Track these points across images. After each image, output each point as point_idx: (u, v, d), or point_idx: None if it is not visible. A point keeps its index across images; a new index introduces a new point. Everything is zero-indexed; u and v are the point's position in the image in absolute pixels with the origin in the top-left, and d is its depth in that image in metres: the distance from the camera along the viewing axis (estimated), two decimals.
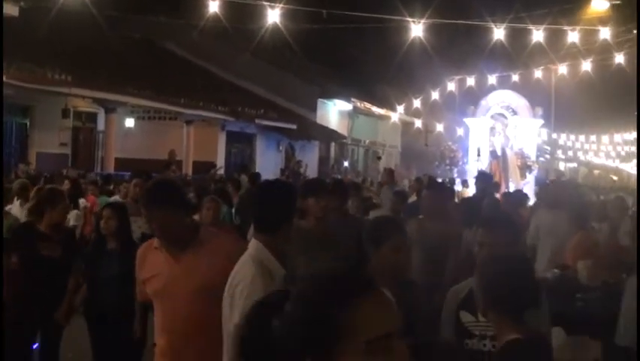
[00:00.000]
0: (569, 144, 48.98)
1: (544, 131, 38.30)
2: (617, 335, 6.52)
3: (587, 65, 23.86)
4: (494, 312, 3.73)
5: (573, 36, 19.81)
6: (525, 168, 21.58)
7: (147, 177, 10.73)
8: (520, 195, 12.96)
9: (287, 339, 1.80)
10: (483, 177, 12.52)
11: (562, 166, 52.05)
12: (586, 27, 21.09)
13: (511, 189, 19.55)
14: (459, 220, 8.57)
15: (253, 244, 4.31)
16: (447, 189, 9.71)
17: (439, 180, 18.22)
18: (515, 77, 26.44)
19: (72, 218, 10.76)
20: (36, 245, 6.65)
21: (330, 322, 1.79)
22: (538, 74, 26.49)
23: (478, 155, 22.57)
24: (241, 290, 4.03)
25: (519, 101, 22.51)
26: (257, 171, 23.59)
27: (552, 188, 10.64)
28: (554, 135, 43.88)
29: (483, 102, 23.05)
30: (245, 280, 4.07)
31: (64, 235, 6.98)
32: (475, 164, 22.30)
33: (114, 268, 6.46)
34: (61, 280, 6.75)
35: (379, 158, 38.14)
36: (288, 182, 8.41)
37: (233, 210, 11.98)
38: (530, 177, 21.96)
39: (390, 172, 16.73)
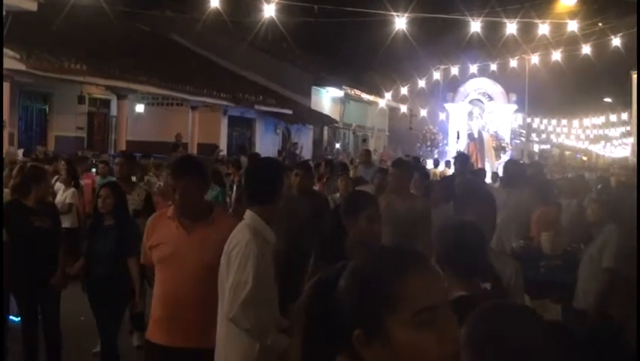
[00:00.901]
0: (542, 127, 48.99)
1: (520, 116, 38.32)
2: (575, 299, 6.64)
3: (557, 55, 23.86)
4: (447, 272, 3.76)
5: (544, 28, 19.86)
6: (500, 149, 21.64)
7: (130, 155, 10.27)
8: (482, 174, 13.00)
9: (341, 312, 1.77)
10: (461, 158, 12.41)
11: (536, 148, 52.04)
12: (556, 20, 21.14)
13: (487, 168, 19.64)
14: (434, 197, 8.68)
15: (248, 214, 4.41)
16: (412, 166, 9.58)
17: (421, 159, 18.34)
18: (494, 67, 26.37)
19: (68, 196, 10.62)
20: (28, 218, 6.59)
21: (380, 293, 1.72)
22: (514, 63, 26.47)
23: (458, 137, 22.60)
24: (236, 253, 4.17)
25: (494, 88, 22.56)
26: (256, 151, 23.67)
27: (508, 168, 10.60)
28: (529, 120, 43.93)
29: (461, 89, 23.10)
30: (240, 244, 4.20)
31: (49, 208, 6.97)
32: (454, 145, 22.35)
33: (111, 244, 6.42)
34: (54, 249, 6.71)
35: (365, 140, 38.21)
36: (278, 161, 8.47)
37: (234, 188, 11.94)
38: (505, 158, 21.98)
39: (367, 153, 16.70)
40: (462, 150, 21.34)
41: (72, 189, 10.78)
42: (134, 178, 9.91)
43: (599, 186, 11.84)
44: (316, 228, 7.10)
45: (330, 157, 25.48)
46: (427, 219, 7.21)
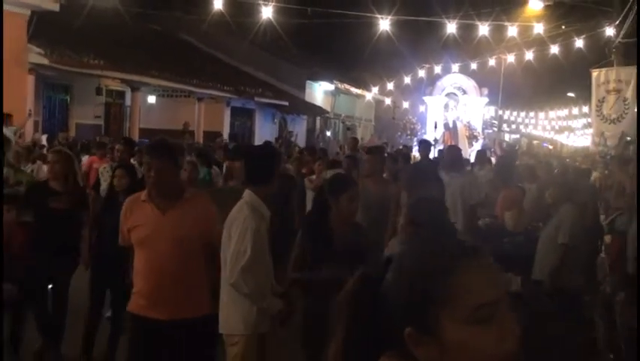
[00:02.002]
0: (513, 118, 49.00)
1: (492, 108, 38.34)
2: (533, 271, 6.77)
3: (526, 55, 23.88)
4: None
5: (513, 30, 19.90)
6: (472, 138, 21.69)
7: (130, 141, 10.13)
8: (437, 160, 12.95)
9: (389, 309, 1.52)
10: (424, 144, 12.46)
11: (507, 137, 52.05)
12: (524, 23, 21.16)
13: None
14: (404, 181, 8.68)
15: (247, 193, 4.53)
16: (384, 153, 9.54)
17: (401, 147, 18.35)
18: (469, 65, 26.39)
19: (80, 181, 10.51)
20: (46, 200, 6.39)
21: (432, 289, 1.46)
22: (487, 61, 26.50)
23: (435, 127, 22.65)
24: (236, 226, 4.31)
25: (468, 83, 22.59)
26: (255, 139, 23.70)
27: (446, 154, 10.52)
28: (500, 112, 43.95)
29: (439, 83, 23.12)
30: (239, 218, 4.34)
31: (75, 190, 6.60)
32: (432, 134, 22.40)
33: None
34: (67, 228, 6.42)
35: (349, 129, 38.24)
36: (274, 148, 8.46)
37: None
38: (477, 145, 22.07)
39: (354, 141, 16.71)
40: (438, 138, 21.45)
41: None
42: (133, 161, 9.78)
43: (556, 171, 11.92)
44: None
45: (321, 144, 25.53)
46: (398, 202, 7.09)
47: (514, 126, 51.47)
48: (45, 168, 9.91)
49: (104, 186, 7.24)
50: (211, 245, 4.53)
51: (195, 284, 4.44)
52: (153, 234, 4.39)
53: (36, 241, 6.38)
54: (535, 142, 59.35)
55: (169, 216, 4.41)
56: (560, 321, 6.24)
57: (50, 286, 6.51)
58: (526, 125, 52.13)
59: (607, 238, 9.04)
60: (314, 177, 9.71)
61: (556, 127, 50.81)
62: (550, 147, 55.53)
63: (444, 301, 1.44)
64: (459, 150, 9.92)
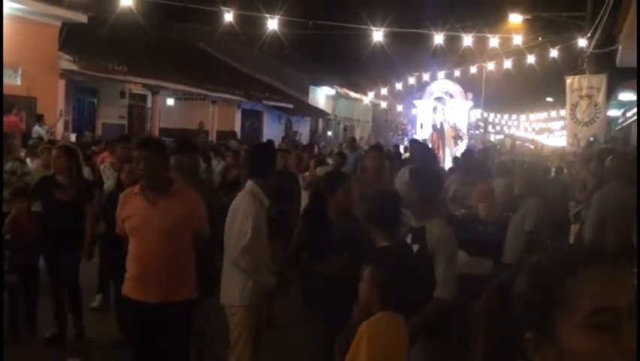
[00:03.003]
0: (497, 120, 48.94)
1: (479, 111, 38.35)
2: (503, 256, 6.85)
3: (507, 63, 23.92)
4: (374, 227, 4.01)
5: (495, 41, 19.98)
6: (457, 138, 21.72)
7: (126, 138, 9.96)
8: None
9: (515, 315, 1.39)
10: (414, 144, 12.52)
11: (492, 138, 51.99)
12: (505, 35, 21.24)
13: (447, 153, 19.81)
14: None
15: (249, 184, 4.67)
16: (383, 150, 9.59)
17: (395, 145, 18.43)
18: (457, 72, 26.40)
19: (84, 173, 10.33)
20: (52, 191, 6.31)
21: (550, 291, 1.32)
22: (473, 69, 26.46)
23: (421, 127, 22.72)
24: (239, 211, 4.47)
25: (454, 88, 22.59)
26: (264, 138, 23.80)
27: (414, 150, 10.52)
28: (486, 114, 44.00)
29: (428, 88, 23.14)
30: (242, 205, 4.50)
31: (79, 183, 6.47)
32: (420, 134, 22.47)
33: None
34: (71, 217, 6.27)
35: (346, 130, 38.36)
36: (272, 145, 8.48)
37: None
38: (462, 145, 22.15)
39: (352, 140, 16.77)
40: (426, 138, 21.58)
41: (87, 168, 9.69)
42: None
43: (525, 166, 12.01)
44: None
45: (323, 143, 25.58)
46: None
47: (498, 128, 51.37)
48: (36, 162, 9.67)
49: (107, 183, 7.13)
50: (197, 234, 4.53)
51: (182, 270, 4.41)
52: (143, 223, 4.36)
53: (43, 228, 6.35)
54: (518, 142, 59.23)
55: (158, 207, 4.36)
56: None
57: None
58: (510, 127, 52.05)
59: (574, 228, 9.17)
60: (307, 174, 9.72)
61: (537, 128, 50.71)
62: (532, 146, 55.48)
63: (561, 305, 1.31)
64: (431, 151, 9.94)
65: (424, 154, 9.15)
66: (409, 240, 4.17)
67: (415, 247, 4.08)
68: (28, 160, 9.91)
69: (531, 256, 5.11)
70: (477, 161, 11.47)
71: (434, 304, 3.89)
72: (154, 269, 4.31)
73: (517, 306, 1.39)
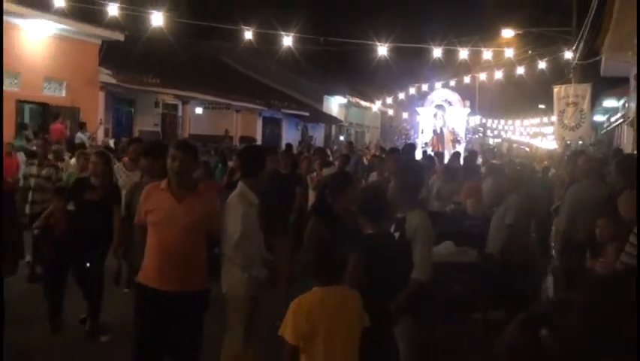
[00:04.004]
0: (495, 126, 48.74)
1: (478, 117, 38.22)
2: (487, 246, 6.85)
3: (501, 74, 23.87)
4: (362, 218, 4.11)
5: (488, 55, 19.96)
6: (455, 141, 21.66)
7: (138, 140, 9.68)
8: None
9: (565, 347, 1.28)
10: (408, 148, 12.31)
11: (491, 141, 51.80)
12: (498, 49, 21.19)
13: (446, 155, 19.75)
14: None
15: (240, 184, 4.68)
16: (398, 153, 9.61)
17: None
18: (455, 83, 26.33)
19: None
20: (83, 192, 6.21)
21: (617, 330, 1.23)
22: (470, 80, 26.44)
23: (422, 132, 22.68)
24: (230, 212, 4.49)
25: (453, 97, 22.46)
26: (282, 143, 23.91)
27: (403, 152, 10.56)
28: (484, 120, 43.86)
29: (429, 97, 23.04)
30: (232, 205, 4.53)
31: (106, 185, 6.27)
32: (421, 138, 22.44)
33: None
34: (99, 216, 6.11)
35: (349, 134, 38.24)
36: (261, 147, 8.27)
37: None
38: (460, 148, 22.13)
39: (350, 144, 16.77)
40: (427, 141, 21.70)
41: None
42: None
43: (515, 167, 12.02)
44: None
45: (336, 147, 25.63)
46: None
47: (496, 132, 51.17)
48: (72, 162, 9.82)
49: (120, 182, 7.00)
50: (210, 232, 4.47)
51: (197, 262, 4.34)
52: (167, 218, 4.26)
53: (73, 226, 6.30)
54: (514, 145, 58.89)
55: (183, 204, 4.28)
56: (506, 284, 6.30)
57: (87, 264, 6.24)
58: (506, 131, 51.83)
59: (555, 221, 9.20)
60: (314, 174, 9.67)
61: (531, 132, 50.43)
62: (527, 149, 55.13)
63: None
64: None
65: (406, 160, 9.21)
66: (392, 229, 4.27)
67: (397, 235, 4.19)
68: (72, 161, 9.97)
69: (513, 248, 5.08)
70: (457, 162, 11.53)
71: (411, 285, 4.01)
72: (172, 261, 4.23)
73: (575, 342, 1.32)
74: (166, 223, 4.26)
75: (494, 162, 13.86)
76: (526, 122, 46.24)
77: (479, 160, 16.24)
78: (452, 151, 21.54)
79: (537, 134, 51.37)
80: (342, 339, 3.18)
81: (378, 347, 3.54)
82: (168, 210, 4.27)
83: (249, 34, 16.62)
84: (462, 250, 6.78)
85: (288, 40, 16.65)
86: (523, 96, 37.52)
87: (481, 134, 42.65)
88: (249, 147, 5.94)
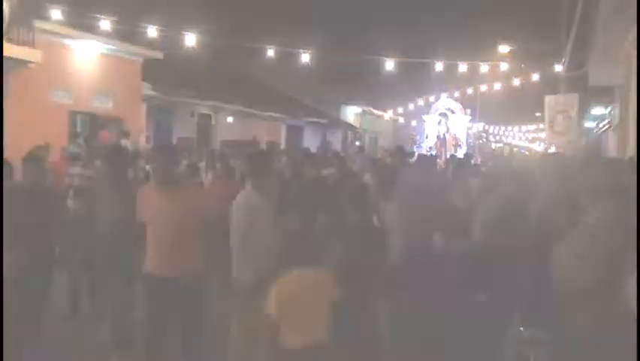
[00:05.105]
0: (496, 131, 48.41)
1: (482, 124, 37.94)
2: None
3: (499, 85, 23.73)
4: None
5: (484, 68, 19.89)
6: (456, 145, 21.68)
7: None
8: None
9: None
10: (401, 152, 12.38)
11: (493, 146, 51.36)
12: (495, 62, 21.12)
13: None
14: None
15: (247, 185, 4.72)
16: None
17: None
18: (458, 93, 26.25)
19: None
20: None
21: None
22: (476, 89, 26.36)
23: (426, 137, 22.71)
24: (239, 208, 4.55)
25: (455, 105, 22.55)
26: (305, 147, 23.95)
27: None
28: (487, 127, 43.59)
29: (434, 106, 23.15)
30: (240, 203, 4.58)
31: None
32: (426, 143, 22.49)
33: None
34: None
35: (363, 141, 38.25)
36: (266, 152, 8.07)
37: None
38: (461, 152, 22.13)
39: (361, 148, 16.78)
40: (431, 145, 21.71)
41: None
42: None
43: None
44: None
45: (349, 151, 25.62)
46: None
47: (498, 137, 50.77)
48: None
49: None
50: (202, 221, 4.49)
51: (189, 251, 4.38)
52: (158, 213, 4.37)
53: None
54: (515, 149, 58.31)
55: (172, 200, 4.37)
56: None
57: None
58: (507, 137, 51.38)
59: None
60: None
61: (530, 138, 49.93)
62: (527, 153, 54.54)
63: None
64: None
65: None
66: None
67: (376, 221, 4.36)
68: None
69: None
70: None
71: (389, 265, 4.07)
72: (170, 248, 4.31)
73: None
74: (158, 218, 4.36)
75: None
76: (524, 128, 45.82)
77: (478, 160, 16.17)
78: (455, 153, 21.75)
79: (535, 139, 50.83)
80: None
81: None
82: (158, 207, 4.36)
83: (270, 52, 16.81)
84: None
85: (305, 57, 16.80)
86: (521, 105, 37.16)
87: (484, 140, 42.42)
88: (254, 151, 6.00)
